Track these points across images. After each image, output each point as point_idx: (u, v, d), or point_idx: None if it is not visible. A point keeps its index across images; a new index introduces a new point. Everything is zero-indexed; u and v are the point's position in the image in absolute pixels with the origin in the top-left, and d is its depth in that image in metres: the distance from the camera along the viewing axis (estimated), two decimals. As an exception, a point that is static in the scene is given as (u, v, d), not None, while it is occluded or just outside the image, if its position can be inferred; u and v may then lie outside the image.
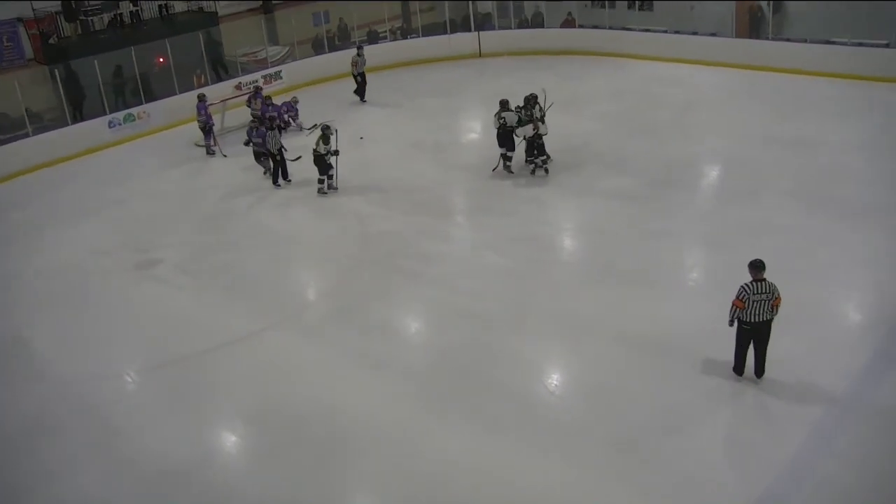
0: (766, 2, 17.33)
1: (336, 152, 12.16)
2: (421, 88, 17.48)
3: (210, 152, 14.85)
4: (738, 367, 7.15)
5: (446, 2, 20.70)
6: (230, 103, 16.28)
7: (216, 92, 16.37)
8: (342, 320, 8.83)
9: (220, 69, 18.25)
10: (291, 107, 15.67)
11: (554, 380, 7.56)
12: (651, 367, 7.48)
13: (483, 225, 11.00)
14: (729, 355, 7.18)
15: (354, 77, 17.15)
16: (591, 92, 16.48)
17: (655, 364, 7.50)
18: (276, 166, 12.78)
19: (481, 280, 9.37)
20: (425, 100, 17.04)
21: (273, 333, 8.70)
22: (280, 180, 12.85)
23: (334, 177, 12.39)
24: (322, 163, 12.16)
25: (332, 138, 12.10)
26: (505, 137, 12.19)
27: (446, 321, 8.62)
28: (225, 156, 14.50)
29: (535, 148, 12.09)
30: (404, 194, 12.13)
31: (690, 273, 9.40)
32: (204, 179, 13.62)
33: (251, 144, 13.13)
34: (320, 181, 12.33)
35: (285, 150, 12.83)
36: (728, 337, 7.09)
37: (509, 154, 12.32)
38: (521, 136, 12.05)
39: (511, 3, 20.36)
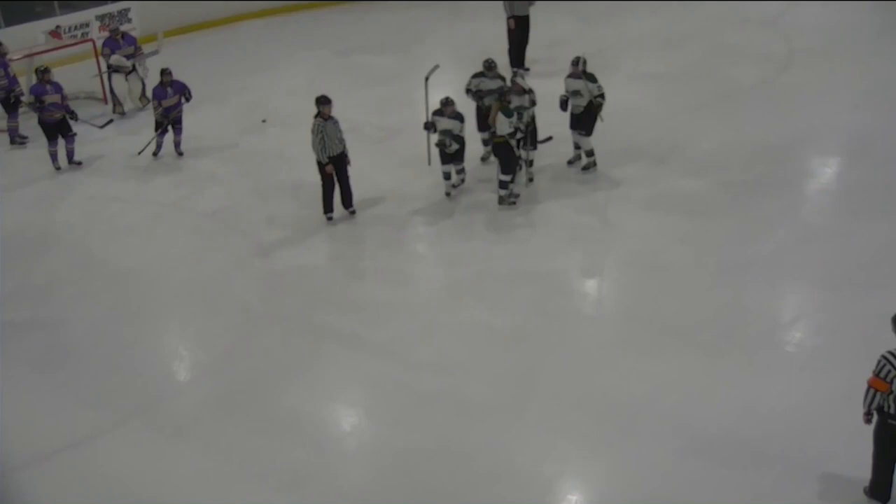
0: None
1: (527, 123, 11.71)
2: (359, 37, 17.60)
3: (17, 140, 14.72)
4: (879, 488, 7.10)
5: None
6: (40, 60, 16.09)
7: (17, 39, 16.21)
8: (231, 414, 8.75)
9: None
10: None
11: (578, 506, 7.53)
12: (736, 483, 7.42)
13: (461, 256, 11.06)
14: (864, 468, 7.14)
15: (509, 21, 16.11)
16: (633, 40, 16.72)
17: (743, 479, 7.45)
18: (327, 180, 11.65)
19: (459, 347, 9.37)
20: (365, 57, 17.11)
21: (116, 437, 8.57)
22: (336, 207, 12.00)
23: (523, 167, 12.14)
24: (508, 153, 11.55)
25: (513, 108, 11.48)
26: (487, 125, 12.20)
27: (402, 414, 8.58)
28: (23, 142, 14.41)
29: (529, 136, 12.05)
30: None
31: (793, 332, 9.41)
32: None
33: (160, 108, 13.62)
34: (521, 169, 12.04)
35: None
36: (862, 437, 7.05)
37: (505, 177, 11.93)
38: (517, 125, 11.67)
39: None
